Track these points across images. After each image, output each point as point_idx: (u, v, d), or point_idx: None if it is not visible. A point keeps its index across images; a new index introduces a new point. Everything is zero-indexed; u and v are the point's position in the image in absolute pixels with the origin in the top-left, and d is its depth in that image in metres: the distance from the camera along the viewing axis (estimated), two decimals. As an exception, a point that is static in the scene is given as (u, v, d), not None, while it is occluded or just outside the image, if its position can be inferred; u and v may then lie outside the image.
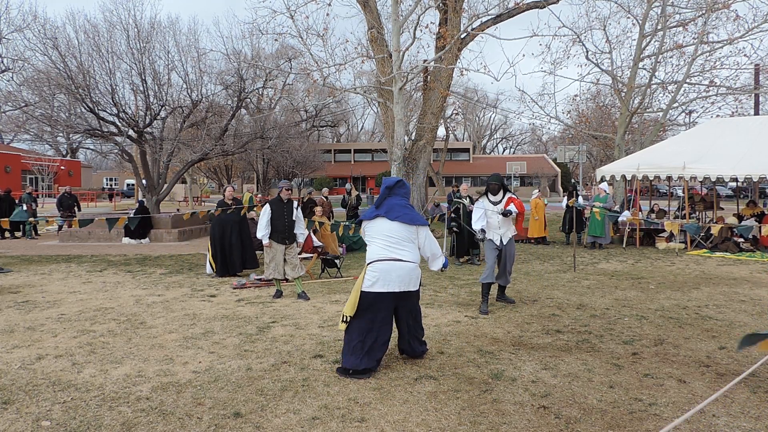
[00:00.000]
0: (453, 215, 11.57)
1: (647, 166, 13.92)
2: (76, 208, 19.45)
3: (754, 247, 12.88)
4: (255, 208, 10.64)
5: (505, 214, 6.92)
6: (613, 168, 14.94)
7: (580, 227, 13.93)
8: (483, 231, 7.05)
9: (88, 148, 35.59)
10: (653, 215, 15.08)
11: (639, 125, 26.06)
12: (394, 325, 4.92)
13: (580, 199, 13.82)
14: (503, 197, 7.07)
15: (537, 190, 16.20)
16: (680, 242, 13.41)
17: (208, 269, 9.82)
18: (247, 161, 41.34)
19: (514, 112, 74.54)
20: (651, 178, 14.52)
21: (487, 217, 7.05)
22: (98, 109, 16.35)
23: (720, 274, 9.72)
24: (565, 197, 15.70)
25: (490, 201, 7.11)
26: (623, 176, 14.61)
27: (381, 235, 4.78)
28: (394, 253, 4.70)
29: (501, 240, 7.08)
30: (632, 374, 4.61)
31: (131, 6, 28.99)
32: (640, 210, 15.47)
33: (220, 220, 9.89)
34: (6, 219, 12.98)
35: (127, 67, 16.83)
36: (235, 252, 9.87)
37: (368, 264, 4.77)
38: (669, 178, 14.58)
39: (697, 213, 17.03)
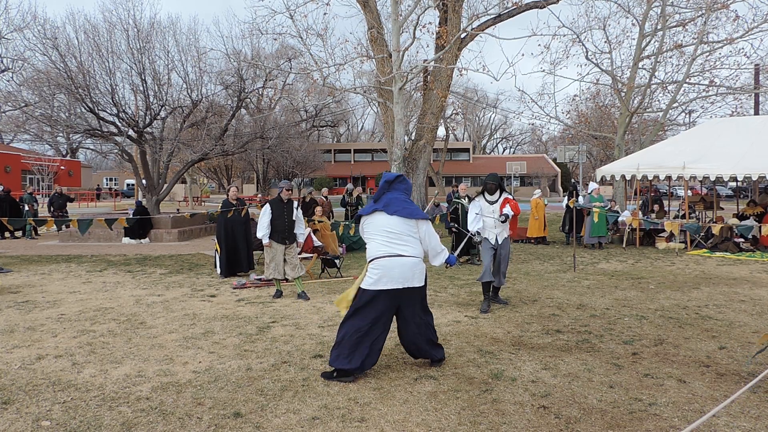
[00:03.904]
0: (453, 215, 11.58)
1: (647, 166, 13.92)
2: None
3: (754, 247, 12.88)
4: (255, 208, 10.63)
5: (504, 220, 6.91)
6: (613, 168, 14.94)
7: (580, 227, 13.93)
8: (479, 233, 7.03)
9: (88, 148, 35.64)
10: (653, 215, 15.08)
11: (639, 125, 26.07)
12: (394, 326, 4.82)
13: (580, 199, 13.82)
14: (499, 197, 7.02)
15: (538, 190, 16.20)
16: (680, 242, 13.41)
17: (219, 269, 9.79)
18: (247, 161, 41.38)
19: (514, 112, 74.60)
20: (651, 178, 14.53)
21: (483, 217, 7.04)
22: (98, 109, 16.34)
23: (720, 274, 9.72)
24: (566, 197, 15.69)
25: (487, 200, 7.07)
26: (623, 176, 14.62)
27: (380, 231, 4.63)
28: (395, 249, 4.55)
29: (497, 239, 7.09)
30: (632, 374, 4.61)
31: (131, 6, 28.92)
32: (661, 209, 15.53)
33: (225, 221, 9.86)
34: (6, 218, 12.97)
35: (127, 67, 16.84)
36: (241, 252, 9.86)
37: (369, 262, 4.63)
38: (669, 178, 14.59)
39: (697, 213, 17.02)
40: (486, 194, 7.10)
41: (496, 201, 7.01)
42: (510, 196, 7.09)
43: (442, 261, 4.88)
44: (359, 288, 4.61)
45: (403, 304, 4.62)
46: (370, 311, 4.53)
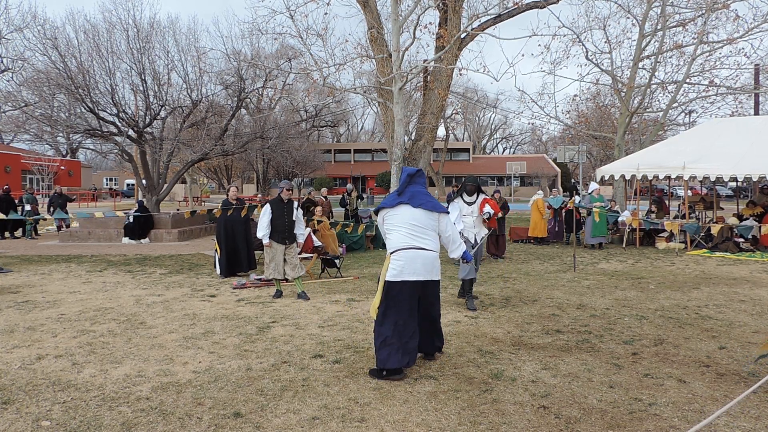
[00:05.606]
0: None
1: (647, 166, 13.92)
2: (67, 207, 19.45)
3: (754, 247, 12.88)
4: (256, 208, 10.62)
5: (487, 218, 7.09)
6: (613, 168, 14.94)
7: (578, 227, 13.93)
8: (461, 234, 6.99)
9: (88, 148, 35.64)
10: (653, 215, 15.08)
11: (639, 125, 26.06)
12: None
13: (577, 198, 13.82)
14: (477, 198, 7.18)
15: (540, 191, 16.21)
16: (680, 242, 13.41)
17: (218, 270, 9.77)
18: (247, 161, 41.37)
19: (514, 112, 74.51)
20: (651, 178, 14.53)
21: (463, 218, 7.14)
22: (98, 109, 16.36)
23: (720, 274, 9.72)
24: (567, 197, 15.69)
25: (465, 201, 7.19)
26: (623, 176, 14.61)
27: (404, 223, 4.73)
28: (418, 242, 4.67)
29: (475, 238, 7.20)
30: (632, 374, 4.61)
31: (130, 6, 29.03)
32: (660, 210, 15.51)
33: (225, 221, 9.85)
34: (5, 216, 12.96)
35: (127, 67, 16.88)
36: (241, 252, 9.86)
37: (392, 253, 4.70)
38: (669, 178, 14.59)
39: (697, 213, 17.02)
40: (465, 195, 7.22)
41: (474, 202, 7.18)
42: (488, 197, 7.31)
43: (460, 254, 5.10)
44: (385, 281, 4.66)
45: (422, 296, 4.75)
46: (402, 303, 4.61)
